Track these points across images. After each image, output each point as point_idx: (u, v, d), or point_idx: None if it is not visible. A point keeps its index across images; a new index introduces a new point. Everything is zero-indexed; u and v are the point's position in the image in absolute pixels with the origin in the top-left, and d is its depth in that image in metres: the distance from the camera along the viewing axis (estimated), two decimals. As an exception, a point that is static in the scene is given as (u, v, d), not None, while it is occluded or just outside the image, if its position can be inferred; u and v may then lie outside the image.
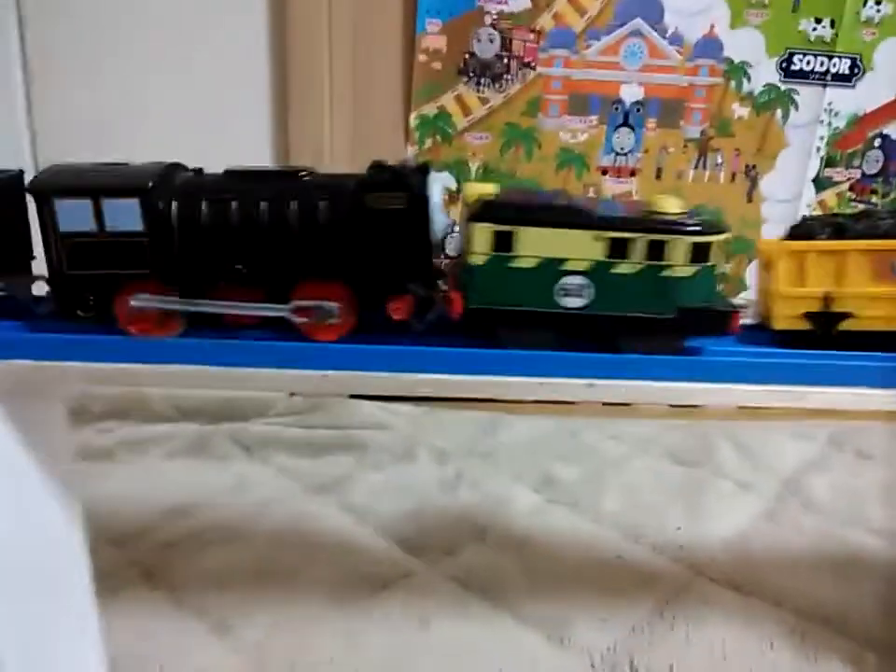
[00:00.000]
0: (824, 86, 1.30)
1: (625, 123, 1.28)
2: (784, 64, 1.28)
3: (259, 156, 1.13)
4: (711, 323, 0.60)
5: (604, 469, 1.19)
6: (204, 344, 0.59)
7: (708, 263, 0.58)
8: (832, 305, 0.62)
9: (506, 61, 1.22)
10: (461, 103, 1.24)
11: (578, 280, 0.58)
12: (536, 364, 0.59)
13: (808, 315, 0.63)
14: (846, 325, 0.62)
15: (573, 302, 0.59)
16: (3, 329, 0.61)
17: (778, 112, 1.30)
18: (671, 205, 0.60)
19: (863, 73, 1.29)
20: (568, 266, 0.58)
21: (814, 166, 1.35)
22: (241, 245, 0.58)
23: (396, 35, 1.18)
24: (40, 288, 0.62)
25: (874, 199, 1.38)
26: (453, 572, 0.91)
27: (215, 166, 0.61)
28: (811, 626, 0.87)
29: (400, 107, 1.22)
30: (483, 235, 0.57)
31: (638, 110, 1.28)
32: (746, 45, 1.26)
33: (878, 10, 1.25)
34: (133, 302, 0.58)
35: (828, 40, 1.27)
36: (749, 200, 1.36)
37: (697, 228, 0.58)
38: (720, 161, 1.33)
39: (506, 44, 1.21)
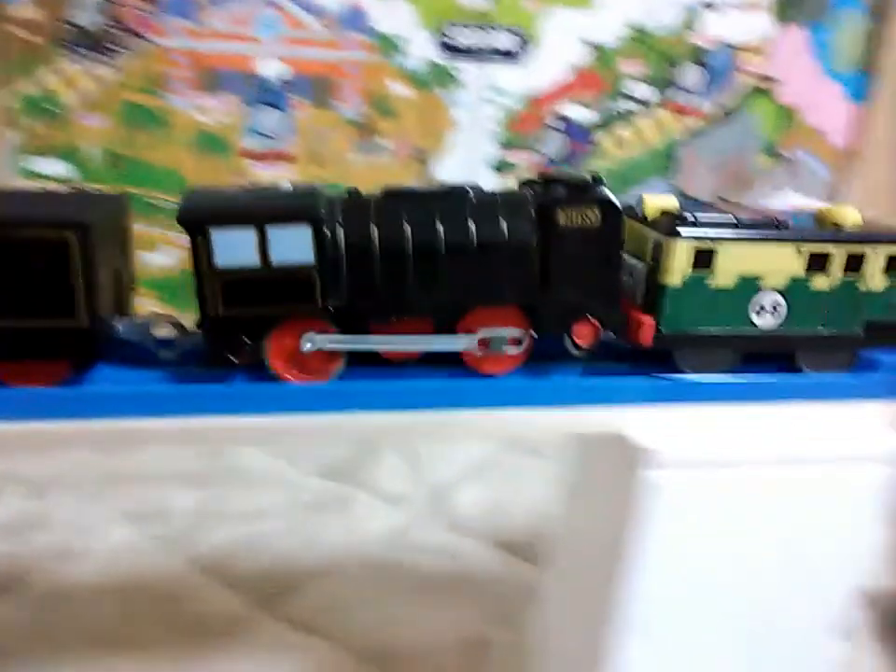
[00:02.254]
0: (488, 62, 1.21)
1: (269, 102, 1.16)
2: (442, 39, 1.18)
3: None
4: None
5: (232, 492, 1.07)
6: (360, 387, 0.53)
7: None
8: None
9: (115, 31, 1.07)
10: (67, 80, 1.08)
11: (774, 298, 0.56)
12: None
13: None
14: None
15: (766, 321, 0.56)
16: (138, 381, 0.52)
17: (442, 91, 1.21)
18: (849, 215, 0.57)
19: (530, 48, 1.21)
20: (766, 283, 0.55)
21: (489, 149, 1.27)
22: (417, 271, 0.52)
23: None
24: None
25: (559, 183, 1.31)
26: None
27: None
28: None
29: (-8, 85, 1.05)
30: (682, 253, 0.53)
31: (284, 88, 1.16)
32: (397, 17, 1.15)
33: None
34: (307, 344, 0.51)
35: (486, 12, 1.18)
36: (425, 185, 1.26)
37: (892, 238, 0.57)
38: (386, 143, 1.22)
39: (112, 12, 1.06)
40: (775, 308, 0.56)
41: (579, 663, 0.61)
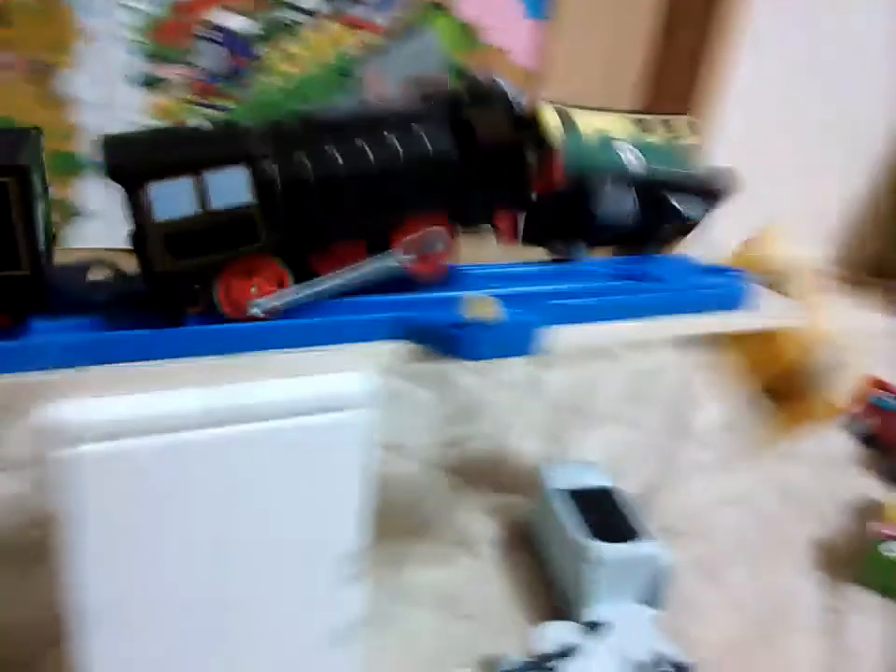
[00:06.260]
0: (114, -40, 1.07)
1: None
2: (49, -72, 1.02)
3: None
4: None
5: None
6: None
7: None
8: None
9: None
10: None
11: (627, 146, 0.67)
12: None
13: None
14: None
15: (633, 163, 0.66)
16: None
17: (61, -9, 1.06)
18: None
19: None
20: (616, 137, 0.67)
21: (132, 63, 1.13)
22: (352, 195, 0.53)
23: None
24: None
25: (225, 102, 1.21)
26: None
27: None
28: None
29: None
30: (551, 116, 0.62)
31: None
32: None
33: None
34: (254, 310, 0.51)
35: None
36: (52, 104, 1.11)
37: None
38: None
39: None
40: (632, 153, 0.67)
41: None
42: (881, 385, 1.27)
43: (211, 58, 1.17)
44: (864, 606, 0.91)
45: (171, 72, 1.15)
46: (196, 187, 0.47)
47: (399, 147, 0.53)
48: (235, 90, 1.19)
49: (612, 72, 1.50)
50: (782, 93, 1.66)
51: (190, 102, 1.17)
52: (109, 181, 0.47)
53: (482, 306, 0.53)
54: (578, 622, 0.78)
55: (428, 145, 0.54)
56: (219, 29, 1.16)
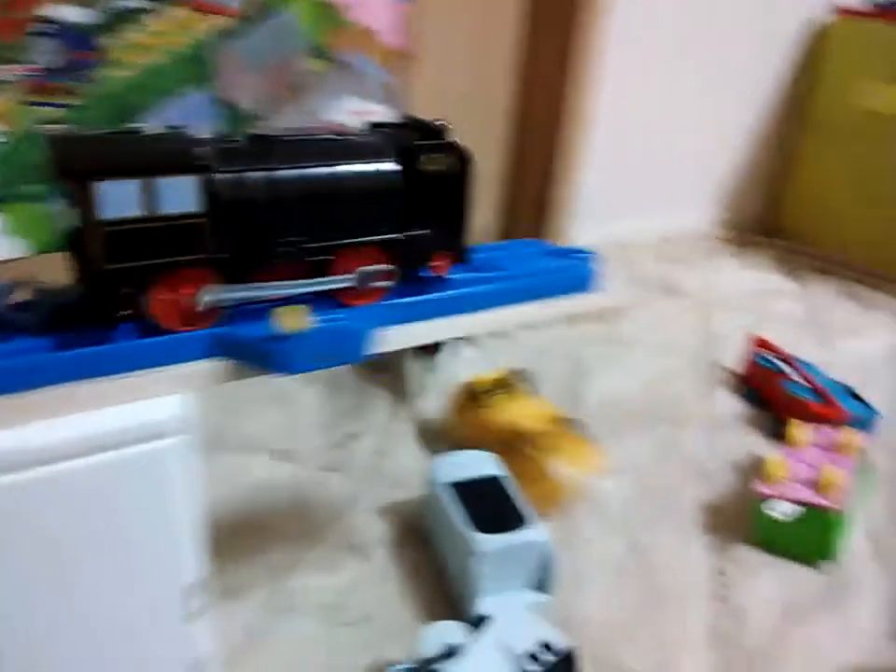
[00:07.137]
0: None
1: None
2: None
3: None
4: None
5: None
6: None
7: None
8: None
9: None
10: None
11: None
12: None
13: None
14: None
15: None
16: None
17: None
18: None
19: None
20: None
21: (-45, 63, 1.04)
22: (298, 215, 0.53)
23: None
24: None
25: (66, 99, 1.12)
26: None
27: None
28: None
29: None
30: None
31: None
32: None
33: None
34: (205, 298, 0.50)
35: None
36: None
37: None
38: None
39: None
40: None
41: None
42: (765, 344, 1.30)
43: (46, 53, 1.08)
44: (753, 565, 0.93)
45: (3, 72, 1.06)
46: (145, 189, 0.47)
47: (347, 175, 0.55)
48: (77, 85, 1.11)
49: (482, 50, 1.47)
50: (658, 61, 1.67)
51: (28, 101, 1.09)
52: (57, 178, 0.46)
53: (293, 317, 0.50)
54: (468, 616, 0.76)
55: (376, 177, 0.56)
56: (53, 22, 1.07)
